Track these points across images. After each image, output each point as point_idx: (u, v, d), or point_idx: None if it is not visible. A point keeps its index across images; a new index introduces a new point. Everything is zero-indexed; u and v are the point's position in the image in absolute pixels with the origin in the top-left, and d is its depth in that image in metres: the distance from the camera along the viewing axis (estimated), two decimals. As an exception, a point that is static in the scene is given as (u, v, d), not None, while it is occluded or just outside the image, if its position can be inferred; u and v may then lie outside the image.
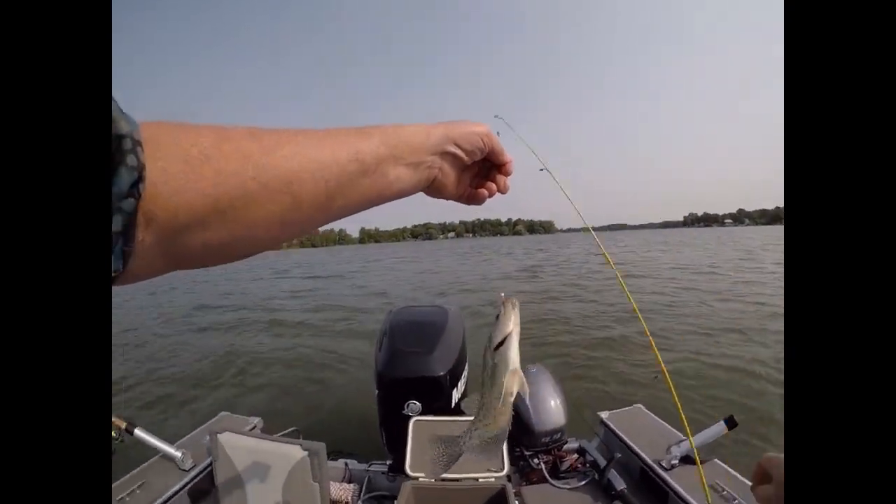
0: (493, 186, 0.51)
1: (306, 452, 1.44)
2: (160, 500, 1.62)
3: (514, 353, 0.46)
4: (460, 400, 2.18)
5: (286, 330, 7.88)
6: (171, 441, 1.87)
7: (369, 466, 2.04)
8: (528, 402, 2.01)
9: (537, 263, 20.94)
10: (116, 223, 0.24)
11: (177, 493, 1.69)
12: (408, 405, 2.09)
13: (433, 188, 0.45)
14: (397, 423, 1.83)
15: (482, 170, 0.50)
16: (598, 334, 6.23)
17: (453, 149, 0.44)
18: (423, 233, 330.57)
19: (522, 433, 1.97)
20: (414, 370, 2.15)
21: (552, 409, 2.00)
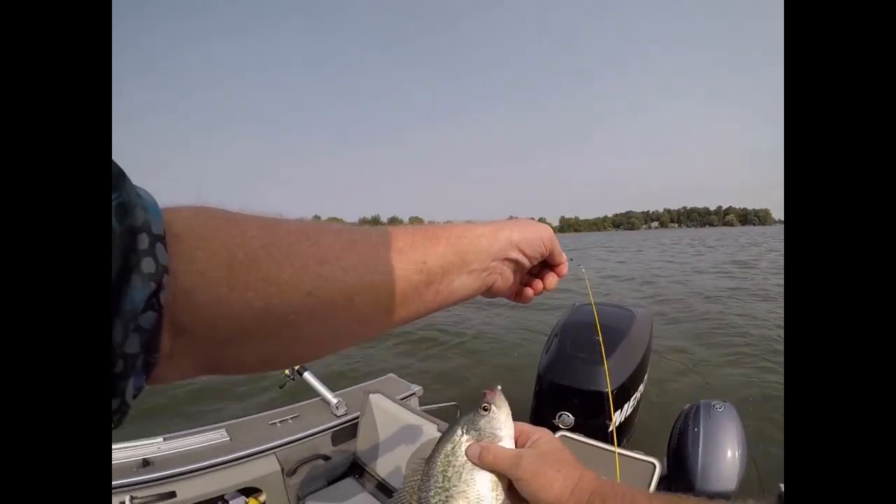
0: (540, 285, 0.48)
1: (439, 433, 1.40)
2: (306, 433, 1.82)
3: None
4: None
5: (484, 307, 8.09)
6: (333, 389, 2.06)
7: None
8: (700, 443, 1.51)
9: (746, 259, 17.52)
10: (133, 344, 0.19)
11: (321, 431, 1.87)
12: (560, 415, 1.85)
13: (489, 291, 0.43)
14: (544, 430, 1.63)
15: (534, 266, 0.47)
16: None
17: (516, 254, 0.42)
18: (624, 222, 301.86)
19: (677, 482, 1.49)
20: (576, 379, 1.91)
21: (726, 462, 1.48)
